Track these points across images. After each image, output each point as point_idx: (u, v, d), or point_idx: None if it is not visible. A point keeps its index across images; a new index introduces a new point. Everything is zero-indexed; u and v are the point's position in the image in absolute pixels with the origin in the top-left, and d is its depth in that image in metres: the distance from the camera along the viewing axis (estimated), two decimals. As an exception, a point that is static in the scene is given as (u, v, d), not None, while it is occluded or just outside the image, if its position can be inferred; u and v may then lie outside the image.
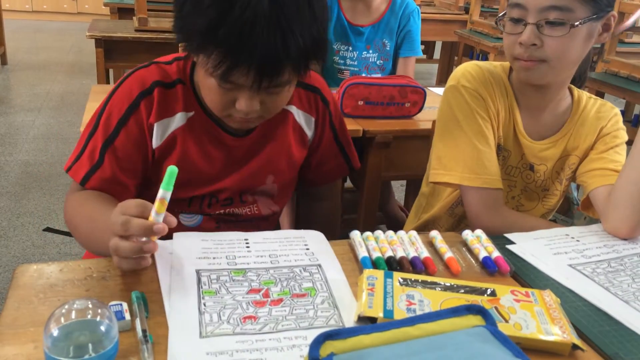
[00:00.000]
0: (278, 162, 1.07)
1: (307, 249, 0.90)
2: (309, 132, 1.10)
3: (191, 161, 1.00)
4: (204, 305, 0.73)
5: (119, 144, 0.96)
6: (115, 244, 0.74)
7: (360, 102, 1.72)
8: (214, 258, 0.84)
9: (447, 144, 1.12)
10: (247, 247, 0.88)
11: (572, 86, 1.19)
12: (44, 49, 5.81)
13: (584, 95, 1.19)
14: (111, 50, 2.80)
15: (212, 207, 1.05)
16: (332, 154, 1.16)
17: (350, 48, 2.17)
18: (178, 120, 0.98)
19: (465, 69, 1.15)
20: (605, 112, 1.17)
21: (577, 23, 0.99)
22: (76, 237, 0.97)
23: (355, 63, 2.19)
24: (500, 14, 1.07)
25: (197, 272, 0.80)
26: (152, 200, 0.93)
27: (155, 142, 0.98)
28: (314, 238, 0.94)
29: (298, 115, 1.08)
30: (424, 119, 1.77)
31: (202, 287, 0.77)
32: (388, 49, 2.18)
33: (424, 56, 6.03)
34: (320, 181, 1.21)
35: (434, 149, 1.17)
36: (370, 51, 2.18)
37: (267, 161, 1.05)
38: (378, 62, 2.18)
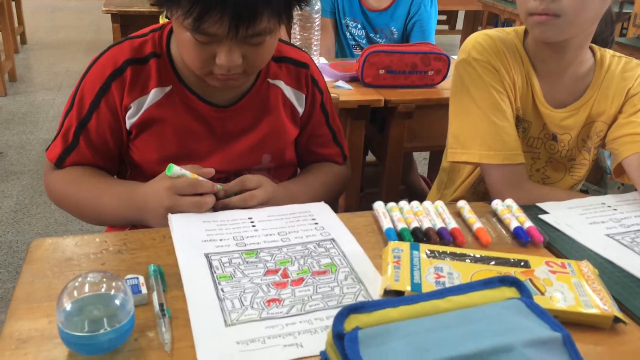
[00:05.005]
0: (273, 140, 1.02)
1: (316, 223, 0.86)
2: (300, 109, 1.05)
3: (171, 136, 0.96)
4: (222, 291, 0.69)
5: (91, 127, 0.94)
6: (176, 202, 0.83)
7: (382, 71, 1.66)
8: (220, 240, 0.79)
9: (463, 121, 1.07)
10: (253, 226, 0.84)
11: (594, 46, 1.11)
12: (63, 28, 5.81)
13: (608, 54, 1.11)
14: (127, 26, 2.79)
15: None
16: (325, 137, 1.10)
17: (359, 26, 2.10)
18: (152, 96, 0.94)
19: (476, 40, 1.08)
20: (631, 71, 1.09)
21: None
22: (73, 209, 0.96)
23: (364, 42, 2.13)
24: None
25: (207, 256, 0.75)
26: None
27: (129, 122, 0.95)
28: (320, 211, 0.90)
29: (287, 91, 1.03)
30: (448, 87, 1.69)
31: (215, 272, 0.72)
32: (395, 37, 2.09)
33: (446, 27, 5.88)
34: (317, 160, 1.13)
35: (449, 127, 1.11)
36: (378, 36, 2.11)
37: (262, 140, 1.01)
38: None
